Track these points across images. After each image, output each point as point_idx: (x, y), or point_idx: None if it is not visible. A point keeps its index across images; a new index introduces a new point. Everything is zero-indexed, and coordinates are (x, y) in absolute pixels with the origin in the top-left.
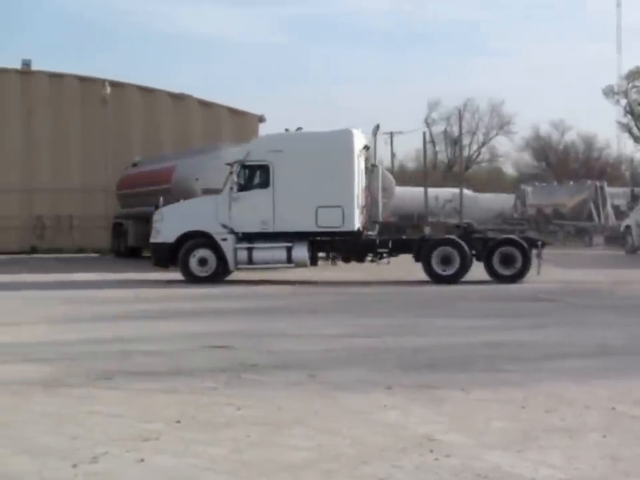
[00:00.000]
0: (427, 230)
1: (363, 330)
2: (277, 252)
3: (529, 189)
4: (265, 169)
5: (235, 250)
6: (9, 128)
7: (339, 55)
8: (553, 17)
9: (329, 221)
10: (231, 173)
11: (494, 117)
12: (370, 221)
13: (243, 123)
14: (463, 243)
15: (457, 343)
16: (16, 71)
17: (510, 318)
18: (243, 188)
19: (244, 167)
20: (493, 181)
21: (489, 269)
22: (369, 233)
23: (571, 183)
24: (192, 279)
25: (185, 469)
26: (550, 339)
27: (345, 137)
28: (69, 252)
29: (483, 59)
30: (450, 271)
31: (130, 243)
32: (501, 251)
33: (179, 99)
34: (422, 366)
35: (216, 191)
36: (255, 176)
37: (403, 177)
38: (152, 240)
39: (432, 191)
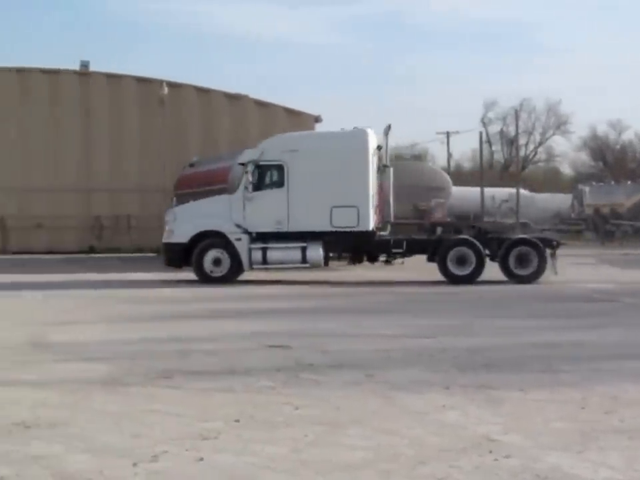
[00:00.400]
0: (439, 230)
1: (417, 330)
2: (291, 252)
3: (586, 188)
4: (279, 169)
5: (250, 250)
6: (67, 129)
7: (395, 55)
8: (612, 17)
9: (344, 221)
10: (246, 172)
11: (550, 116)
12: (383, 221)
13: (299, 123)
14: (478, 243)
15: (513, 343)
16: (74, 72)
17: (566, 318)
18: (257, 188)
19: (258, 166)
20: (549, 180)
21: (505, 269)
22: (381, 233)
23: (629, 182)
24: (205, 279)
25: (244, 467)
26: (607, 340)
27: (361, 136)
28: (127, 252)
29: (539, 58)
30: (466, 271)
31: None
32: (516, 251)
33: (235, 99)
34: (479, 366)
35: None
36: (269, 176)
37: (459, 176)
38: (165, 240)
39: (488, 191)
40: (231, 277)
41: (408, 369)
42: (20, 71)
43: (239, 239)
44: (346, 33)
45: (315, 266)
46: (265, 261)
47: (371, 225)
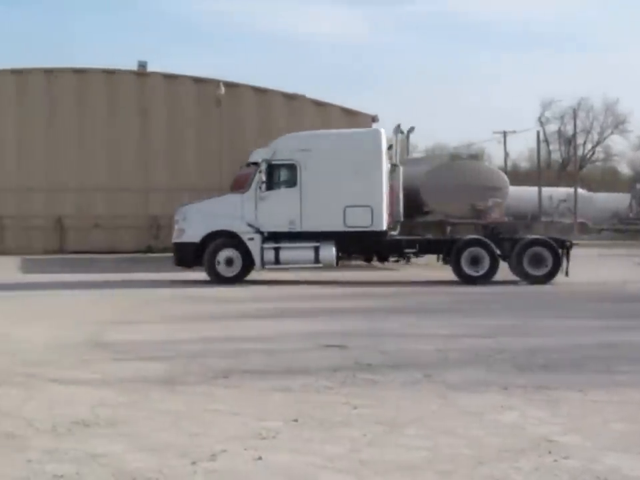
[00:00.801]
0: (449, 229)
1: (474, 330)
2: (304, 252)
3: None
4: (292, 168)
5: (262, 250)
6: (125, 129)
7: (450, 54)
8: None
9: (358, 221)
10: (260, 172)
11: (608, 115)
12: (393, 220)
13: (356, 123)
14: (491, 244)
15: (571, 343)
16: (132, 72)
17: (623, 318)
18: (269, 187)
19: (270, 166)
20: (607, 180)
21: (520, 269)
22: (391, 232)
23: None
24: (218, 279)
25: (302, 467)
26: None
27: (374, 136)
28: None
29: (597, 57)
30: (480, 272)
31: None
32: (531, 252)
33: (291, 98)
34: (537, 367)
35: None
36: (281, 175)
37: (516, 176)
38: (175, 240)
39: (546, 191)
40: (242, 276)
41: (466, 369)
42: (78, 71)
43: (252, 239)
44: (401, 31)
45: (327, 266)
46: (277, 260)
47: (385, 224)
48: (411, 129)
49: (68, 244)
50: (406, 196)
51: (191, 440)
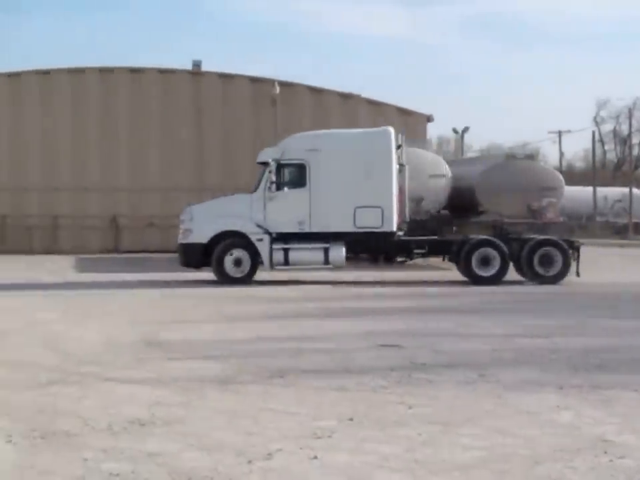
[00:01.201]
0: (454, 229)
1: (528, 329)
2: (314, 253)
3: None
4: (301, 168)
5: (271, 250)
6: (180, 128)
7: (504, 55)
8: None
9: (368, 222)
10: (270, 172)
11: None
12: (401, 221)
13: (411, 123)
14: (502, 244)
15: (626, 344)
16: (187, 71)
17: None
18: (278, 187)
19: (280, 165)
20: None
21: (530, 269)
22: (398, 233)
23: None
24: (226, 280)
25: (358, 466)
26: None
27: (385, 136)
28: None
29: None
30: (491, 272)
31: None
32: (541, 252)
33: (347, 98)
34: (592, 367)
35: None
36: (291, 175)
37: (571, 176)
38: (182, 240)
39: (601, 191)
40: (251, 277)
41: (520, 369)
42: (134, 70)
43: (261, 240)
44: (455, 32)
45: (337, 267)
46: (286, 261)
47: (395, 225)
48: (466, 129)
49: (122, 243)
50: (460, 196)
51: (247, 439)
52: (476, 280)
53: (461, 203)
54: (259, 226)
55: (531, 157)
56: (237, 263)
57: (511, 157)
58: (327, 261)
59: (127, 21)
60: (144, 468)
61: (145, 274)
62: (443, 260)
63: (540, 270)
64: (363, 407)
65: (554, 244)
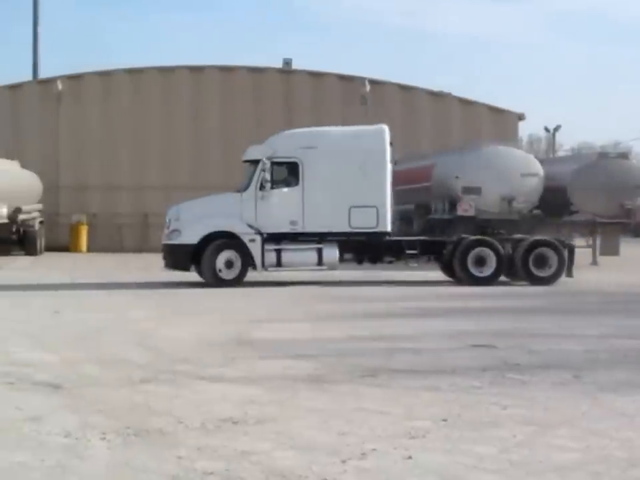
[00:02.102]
0: (437, 230)
1: (622, 330)
2: (307, 254)
3: None
4: (293, 167)
5: (263, 251)
6: (270, 126)
7: (599, 53)
8: None
9: (363, 222)
10: (264, 170)
11: None
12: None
13: (503, 121)
14: (498, 244)
15: None
16: (277, 70)
17: None
18: (270, 186)
19: (271, 164)
20: None
21: (525, 270)
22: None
23: None
24: (218, 282)
25: (453, 467)
26: None
27: (379, 133)
28: None
29: None
30: (487, 272)
31: None
32: (536, 252)
33: (438, 96)
34: None
35: (475, 190)
36: (283, 174)
37: None
38: (170, 241)
39: None
40: (241, 279)
41: (616, 370)
42: (224, 69)
43: (253, 240)
44: (542, 28)
45: (330, 268)
46: (279, 263)
47: (389, 225)
48: (557, 128)
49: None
50: (552, 195)
51: (340, 438)
52: (473, 280)
53: (553, 202)
54: (250, 226)
55: (624, 155)
56: (229, 264)
57: (603, 155)
58: (320, 262)
59: (217, 20)
60: (238, 466)
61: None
62: (428, 261)
63: (535, 270)
64: (456, 408)
65: (548, 244)
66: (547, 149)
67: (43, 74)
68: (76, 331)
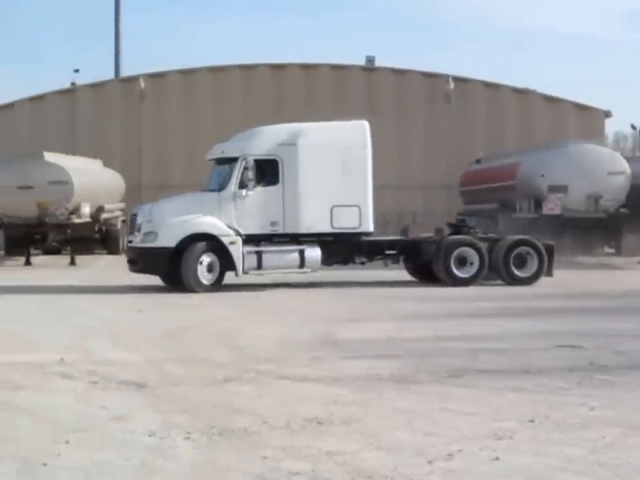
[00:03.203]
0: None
1: None
2: (289, 256)
3: None
4: (274, 164)
5: (243, 254)
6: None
7: None
8: None
9: (346, 222)
10: (246, 168)
11: None
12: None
13: (588, 119)
14: (481, 244)
15: None
16: (360, 67)
17: None
18: (248, 185)
19: (247, 162)
20: None
21: (506, 270)
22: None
23: None
24: (198, 287)
25: (541, 468)
26: None
27: (361, 129)
28: None
29: None
30: (469, 273)
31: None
32: (517, 252)
33: (522, 94)
34: None
35: (561, 188)
36: (262, 172)
37: None
38: (144, 244)
39: None
40: (220, 283)
41: None
42: (306, 67)
43: (233, 242)
44: (621, 24)
45: (312, 270)
46: (259, 265)
47: (372, 225)
48: None
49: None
50: (639, 193)
51: (426, 439)
52: (455, 281)
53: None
54: (229, 227)
55: None
56: (210, 268)
57: None
58: (302, 264)
59: (299, 18)
60: (323, 467)
61: (317, 273)
62: (397, 262)
63: (516, 271)
64: (543, 408)
65: (529, 244)
66: (633, 147)
67: (125, 72)
68: (159, 330)
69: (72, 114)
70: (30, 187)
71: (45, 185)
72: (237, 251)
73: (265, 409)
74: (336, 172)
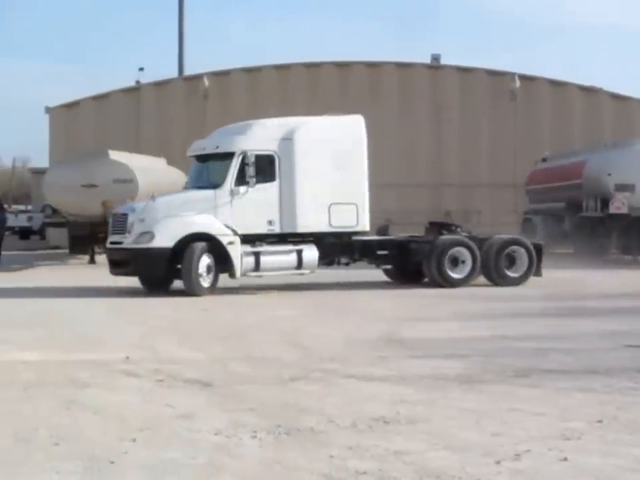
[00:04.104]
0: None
1: None
2: (287, 256)
3: None
4: (270, 160)
5: (241, 255)
6: (417, 122)
7: None
8: None
9: (343, 221)
10: (247, 164)
11: None
12: None
13: None
14: (473, 244)
15: None
16: (425, 65)
17: None
18: (244, 182)
19: (246, 156)
20: None
21: (497, 270)
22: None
23: None
24: (200, 290)
25: (610, 469)
26: None
27: (358, 123)
28: None
29: None
30: (462, 274)
31: (539, 239)
32: (508, 251)
33: (589, 92)
34: None
35: (628, 187)
36: (258, 168)
37: None
38: (138, 245)
39: None
40: (214, 286)
41: None
42: (371, 65)
43: (232, 243)
44: None
45: (310, 272)
46: (257, 267)
47: (368, 224)
48: None
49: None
50: None
51: (493, 439)
52: (450, 282)
53: None
54: (227, 227)
55: None
56: (209, 270)
57: None
58: (300, 265)
59: (365, 17)
60: (391, 466)
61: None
62: (389, 263)
63: (507, 271)
64: (611, 409)
65: (519, 243)
66: None
67: (189, 71)
68: (223, 329)
69: (136, 112)
70: (95, 186)
71: (109, 184)
72: (236, 251)
73: (331, 408)
74: (333, 168)
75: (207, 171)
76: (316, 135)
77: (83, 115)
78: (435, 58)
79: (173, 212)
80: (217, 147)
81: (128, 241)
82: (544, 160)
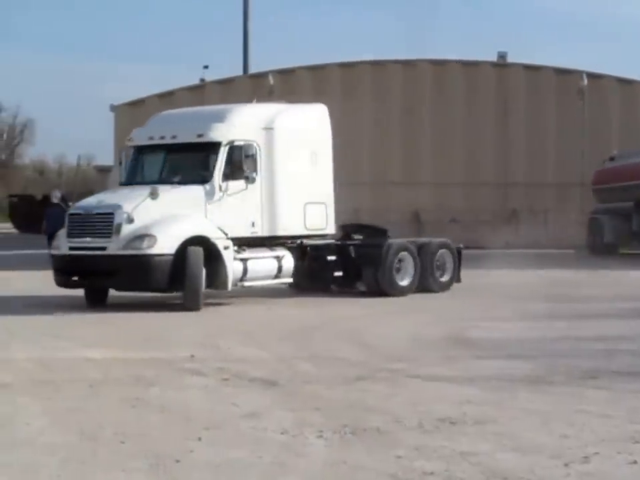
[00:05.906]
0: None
1: None
2: (269, 264)
3: None
4: (253, 152)
5: (232, 262)
6: (484, 120)
7: None
8: None
9: (316, 222)
10: (248, 156)
11: None
12: None
13: None
14: (414, 248)
15: None
16: (491, 63)
17: None
18: (230, 177)
19: (232, 148)
20: None
21: (432, 275)
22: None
23: None
24: (200, 301)
25: None
26: None
27: (322, 113)
28: (544, 247)
29: None
30: (407, 280)
31: (606, 240)
32: (438, 255)
33: None
34: None
35: None
36: (242, 161)
37: None
38: (132, 251)
39: None
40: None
41: None
42: (436, 63)
43: (227, 247)
44: None
45: (287, 281)
46: (244, 275)
47: (334, 226)
48: None
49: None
50: None
51: (562, 441)
52: (398, 291)
53: None
54: (219, 229)
55: None
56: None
57: None
58: (279, 274)
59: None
60: (457, 467)
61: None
62: (340, 270)
63: (438, 276)
64: None
65: (447, 246)
66: None
67: (253, 69)
68: (287, 328)
69: None
70: None
71: None
72: (229, 257)
73: (397, 408)
74: (310, 163)
75: (171, 164)
76: (294, 124)
77: (147, 112)
78: (502, 56)
79: (165, 212)
80: (200, 135)
81: (114, 247)
82: (612, 159)
